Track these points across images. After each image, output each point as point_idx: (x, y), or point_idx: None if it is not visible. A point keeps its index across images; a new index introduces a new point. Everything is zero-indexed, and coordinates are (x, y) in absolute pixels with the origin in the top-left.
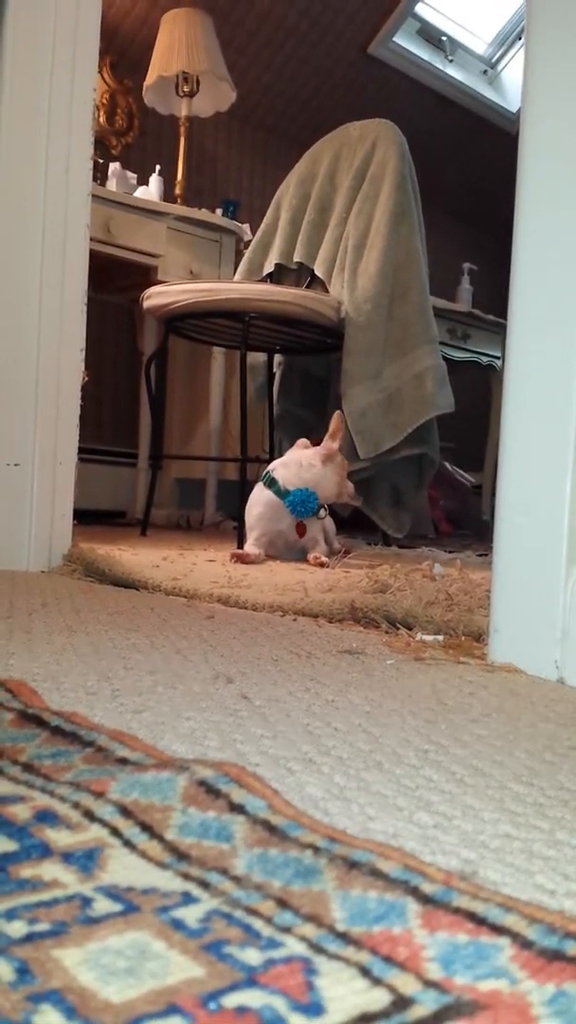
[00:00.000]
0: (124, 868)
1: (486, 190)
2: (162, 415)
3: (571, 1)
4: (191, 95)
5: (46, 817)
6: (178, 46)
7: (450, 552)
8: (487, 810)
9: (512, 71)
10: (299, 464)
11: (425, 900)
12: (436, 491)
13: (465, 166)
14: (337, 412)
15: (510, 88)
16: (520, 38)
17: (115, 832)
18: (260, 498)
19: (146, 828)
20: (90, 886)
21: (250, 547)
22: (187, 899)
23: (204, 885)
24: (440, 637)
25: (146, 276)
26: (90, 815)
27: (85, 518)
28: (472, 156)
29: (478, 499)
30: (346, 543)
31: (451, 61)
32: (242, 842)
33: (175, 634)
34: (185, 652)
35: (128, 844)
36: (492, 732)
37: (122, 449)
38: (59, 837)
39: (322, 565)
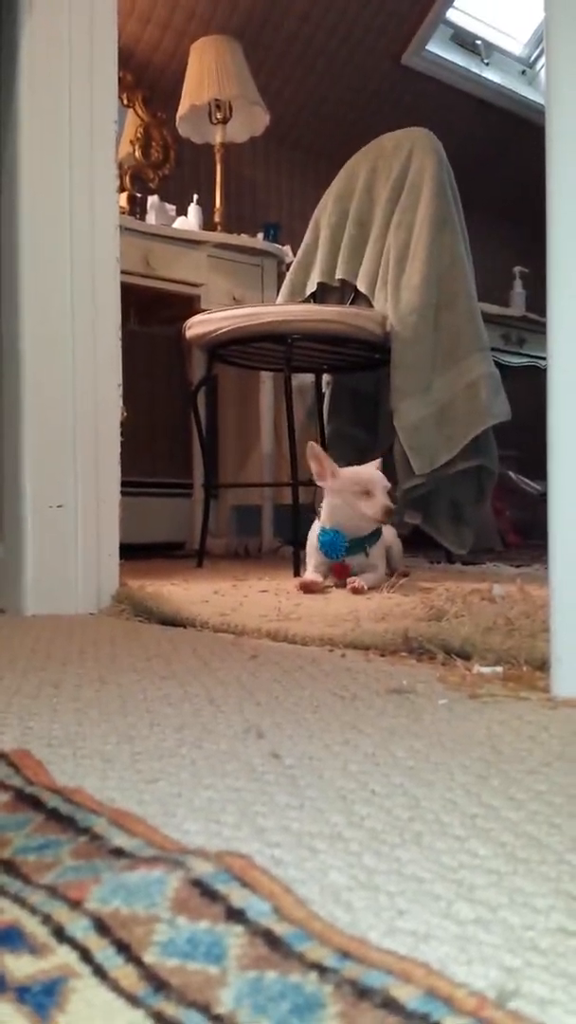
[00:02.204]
0: (88, 1007)
1: (532, 191)
2: (213, 443)
3: None
4: (224, 122)
5: (9, 937)
6: (208, 74)
7: (517, 566)
8: (539, 894)
9: None
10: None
11: None
12: (501, 502)
13: (510, 168)
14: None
15: None
16: None
17: (85, 956)
18: (315, 528)
19: (123, 948)
20: None
21: (310, 574)
22: None
23: None
24: (499, 669)
25: (189, 306)
26: (60, 933)
27: (143, 552)
28: (516, 158)
29: (546, 508)
30: (404, 565)
31: (487, 64)
32: (235, 962)
33: (212, 679)
34: (219, 701)
35: (99, 971)
36: (552, 786)
37: (178, 480)
38: (19, 965)
39: (356, 591)
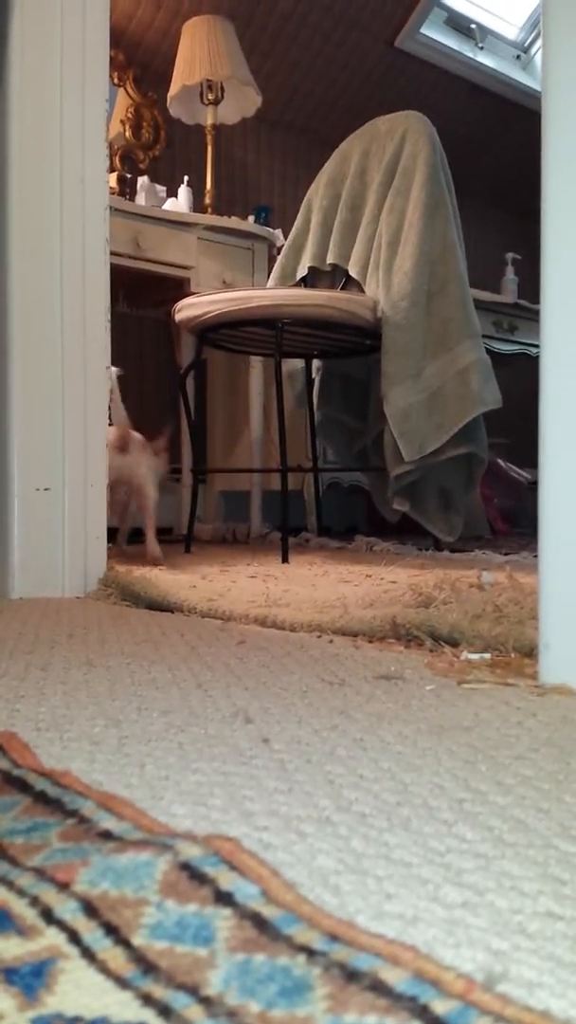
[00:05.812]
0: (76, 988)
1: (526, 177)
2: (202, 428)
3: None
4: (216, 102)
5: None
6: (200, 54)
7: (505, 554)
8: (527, 879)
9: None
10: None
11: None
12: (490, 490)
13: (503, 154)
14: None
15: None
16: None
17: (74, 938)
18: None
19: (112, 930)
20: (29, 1016)
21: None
22: None
23: (165, 1013)
24: (487, 655)
25: (179, 288)
26: (48, 915)
27: (131, 537)
28: (509, 143)
29: (535, 496)
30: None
31: (482, 48)
32: (224, 945)
33: (200, 664)
34: (207, 686)
35: (87, 954)
36: (539, 772)
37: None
38: (7, 947)
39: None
